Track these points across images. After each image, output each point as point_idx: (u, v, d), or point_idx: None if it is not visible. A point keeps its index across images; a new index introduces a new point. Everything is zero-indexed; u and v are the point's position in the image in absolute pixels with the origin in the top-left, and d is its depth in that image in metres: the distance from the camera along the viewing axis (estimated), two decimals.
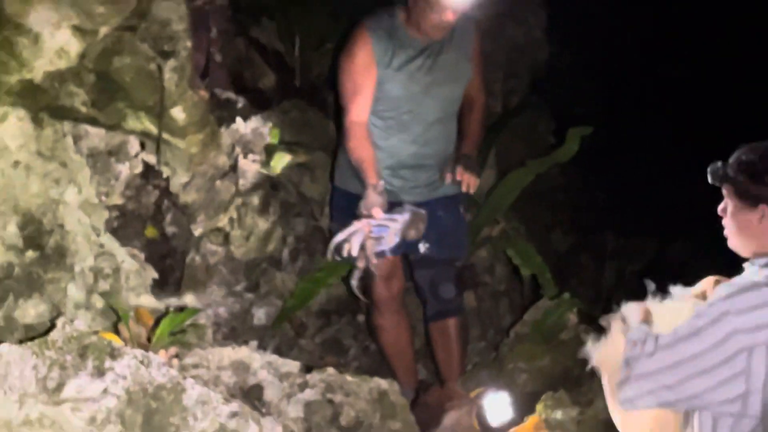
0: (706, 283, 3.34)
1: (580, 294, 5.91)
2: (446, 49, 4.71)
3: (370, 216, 4.40)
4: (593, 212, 7.37)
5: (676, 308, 3.42)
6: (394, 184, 4.79)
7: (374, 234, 4.38)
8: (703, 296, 3.33)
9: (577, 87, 7.79)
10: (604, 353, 3.46)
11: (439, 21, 4.47)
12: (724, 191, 3.05)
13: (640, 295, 3.61)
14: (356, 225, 4.38)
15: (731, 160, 3.01)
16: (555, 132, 6.58)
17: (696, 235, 6.87)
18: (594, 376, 4.84)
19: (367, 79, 4.64)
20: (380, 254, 4.45)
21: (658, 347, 2.89)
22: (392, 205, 4.51)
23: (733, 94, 8.09)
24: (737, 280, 2.91)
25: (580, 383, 5.06)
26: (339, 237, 4.38)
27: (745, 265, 3.04)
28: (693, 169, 3.17)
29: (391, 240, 4.41)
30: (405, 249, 4.79)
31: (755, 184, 2.95)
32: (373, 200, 4.46)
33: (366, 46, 4.63)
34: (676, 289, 3.43)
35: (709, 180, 3.08)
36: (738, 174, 2.98)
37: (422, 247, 4.85)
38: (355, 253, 4.31)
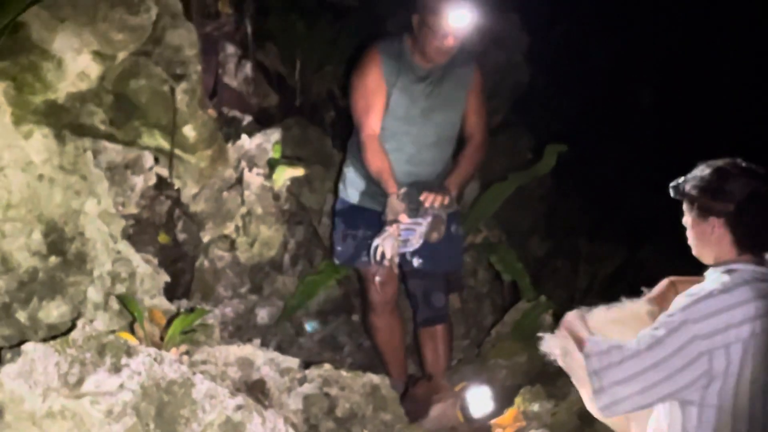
0: (663, 284, 3.39)
1: (555, 296, 5.93)
2: (446, 77, 4.72)
3: (396, 221, 4.44)
4: (568, 220, 7.37)
5: (621, 314, 3.46)
6: None
7: (402, 237, 4.42)
8: (660, 299, 3.37)
9: (555, 107, 7.81)
10: (567, 365, 3.49)
11: (440, 45, 4.50)
12: (684, 205, 3.10)
13: (610, 296, 3.64)
14: (388, 230, 4.43)
15: (689, 176, 3.05)
16: (534, 148, 6.58)
17: (663, 241, 6.89)
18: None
19: (378, 96, 4.66)
20: (412, 254, 4.58)
21: (624, 356, 2.92)
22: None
23: (700, 112, 8.11)
24: (694, 290, 2.95)
25: (556, 378, 5.06)
26: (375, 242, 4.41)
27: (707, 273, 3.08)
28: (660, 181, 3.19)
29: (416, 241, 4.45)
30: (400, 261, 4.80)
31: (706, 199, 3.00)
32: (397, 207, 4.51)
33: (376, 65, 4.65)
34: (626, 301, 3.48)
35: (671, 194, 3.12)
36: (692, 189, 3.03)
37: (415, 262, 4.85)
38: (389, 255, 4.35)
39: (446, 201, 4.58)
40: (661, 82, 8.15)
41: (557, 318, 5.35)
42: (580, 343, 3.14)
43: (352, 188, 4.97)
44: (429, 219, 4.50)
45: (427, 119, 4.75)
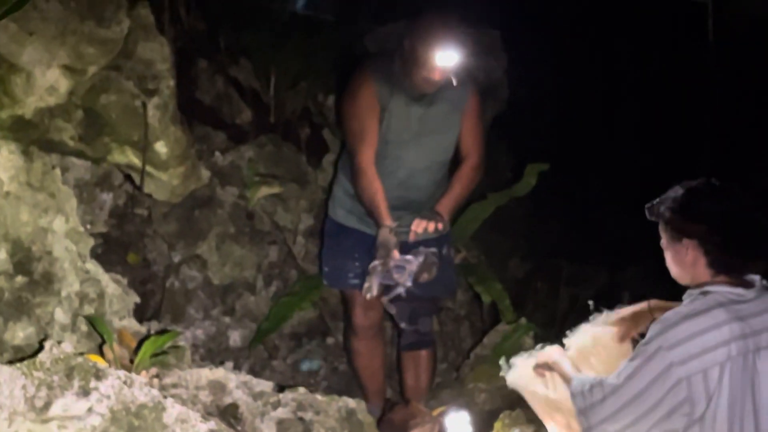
0: (639, 306, 3.43)
1: (535, 318, 5.94)
2: (439, 100, 4.64)
3: (387, 257, 4.35)
4: (549, 241, 7.40)
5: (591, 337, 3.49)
6: None
7: (393, 273, 4.37)
8: (633, 320, 3.41)
9: (536, 125, 7.85)
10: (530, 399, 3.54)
11: (427, 77, 4.44)
12: (659, 227, 3.13)
13: (591, 319, 3.67)
14: (377, 265, 4.34)
15: (663, 197, 3.08)
16: (514, 167, 6.61)
17: (645, 264, 6.92)
18: None
19: (372, 120, 4.58)
20: (396, 297, 4.42)
21: (605, 393, 2.97)
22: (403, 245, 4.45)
23: (681, 133, 8.17)
24: (668, 315, 2.98)
25: None
26: (365, 285, 4.37)
27: (684, 296, 3.11)
28: (643, 201, 3.22)
29: (404, 280, 4.38)
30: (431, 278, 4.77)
31: (679, 220, 3.03)
32: (389, 241, 4.38)
33: (369, 88, 4.56)
34: (598, 317, 3.52)
35: (647, 216, 3.15)
36: (666, 210, 3.06)
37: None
38: (375, 293, 4.28)
39: (440, 226, 4.53)
40: (644, 100, 8.20)
41: (538, 340, 5.40)
42: (566, 382, 3.20)
43: (341, 208, 4.95)
44: (421, 258, 4.45)
45: (419, 143, 4.70)
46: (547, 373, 3.43)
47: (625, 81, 8.48)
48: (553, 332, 5.87)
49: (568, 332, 3.58)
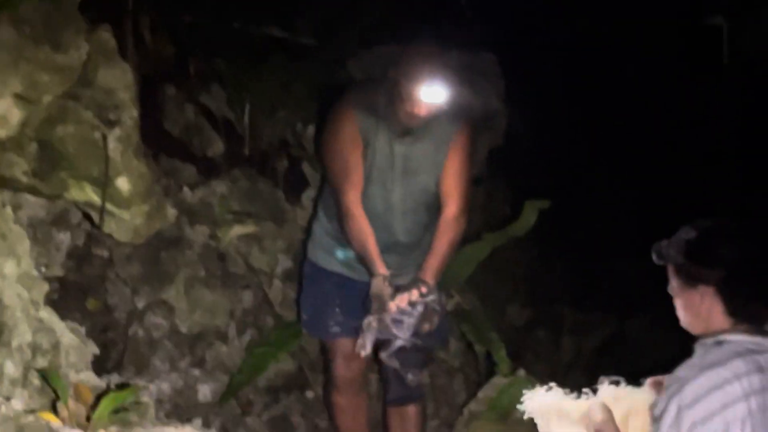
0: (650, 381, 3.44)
1: (535, 370, 5.95)
2: (427, 136, 4.63)
3: (382, 310, 4.35)
4: (550, 286, 7.42)
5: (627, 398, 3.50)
6: (362, 264, 4.79)
7: (393, 326, 4.36)
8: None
9: (536, 159, 7.87)
10: None
11: (411, 113, 4.44)
12: (669, 271, 3.12)
13: (596, 371, 3.66)
14: (371, 321, 4.35)
15: (673, 239, 3.08)
16: (512, 204, 6.63)
17: (654, 312, 6.93)
18: None
19: (356, 156, 4.57)
20: (400, 350, 4.43)
21: None
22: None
23: (694, 168, 8.21)
24: (682, 372, 2.98)
25: None
26: (359, 342, 4.37)
27: (695, 345, 3.11)
28: (651, 245, 3.22)
29: (404, 334, 4.37)
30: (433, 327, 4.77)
31: (694, 265, 3.03)
32: (384, 291, 4.39)
33: (352, 121, 4.56)
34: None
35: (654, 259, 3.15)
36: (678, 254, 3.05)
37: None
38: (368, 350, 4.31)
39: (423, 290, 4.44)
40: (654, 133, 8.24)
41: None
42: None
43: (321, 249, 4.95)
44: (421, 309, 4.43)
45: (404, 183, 4.70)
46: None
47: (634, 111, 8.51)
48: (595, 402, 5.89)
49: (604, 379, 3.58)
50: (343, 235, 4.68)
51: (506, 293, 7.13)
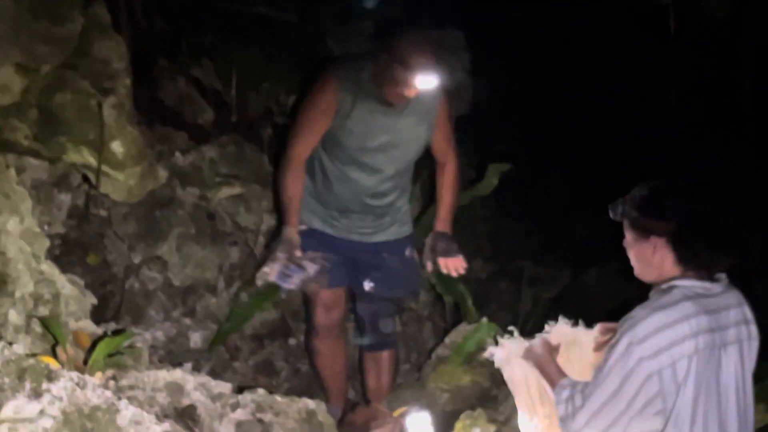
0: (599, 327, 3.45)
1: (498, 318, 5.93)
2: (409, 112, 4.57)
3: (290, 253, 4.48)
4: (511, 242, 7.41)
5: (572, 335, 3.51)
6: (341, 222, 4.77)
7: (289, 270, 4.45)
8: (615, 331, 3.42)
9: (498, 125, 7.84)
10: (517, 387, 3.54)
11: (400, 94, 4.37)
12: (624, 226, 3.13)
13: (553, 319, 3.66)
14: (280, 258, 4.47)
15: (627, 197, 3.09)
16: (477, 167, 6.60)
17: (607, 265, 6.94)
18: (509, 396, 4.88)
19: (322, 122, 4.52)
20: (373, 301, 4.70)
21: (584, 399, 2.97)
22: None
23: (643, 132, 8.20)
24: (635, 312, 2.98)
25: (497, 402, 5.07)
26: (264, 269, 4.44)
27: (651, 293, 3.11)
28: (604, 203, 3.21)
29: (294, 283, 4.46)
30: (350, 282, 4.77)
31: (646, 218, 3.05)
32: (293, 239, 4.52)
33: (331, 92, 4.47)
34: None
35: (611, 216, 3.15)
36: (632, 209, 3.08)
37: (366, 286, 4.83)
38: (271, 279, 4.44)
39: (463, 264, 4.80)
40: (606, 101, 8.24)
41: (499, 341, 5.38)
42: (550, 383, 3.25)
43: (304, 209, 4.91)
44: (317, 267, 4.52)
45: (385, 153, 4.65)
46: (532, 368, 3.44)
47: (587, 81, 8.51)
48: (516, 332, 5.88)
49: (551, 323, 3.59)
50: (277, 179, 4.72)
51: (471, 248, 7.10)
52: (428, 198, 6.15)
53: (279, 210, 4.68)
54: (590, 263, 7.22)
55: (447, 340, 5.55)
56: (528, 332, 3.75)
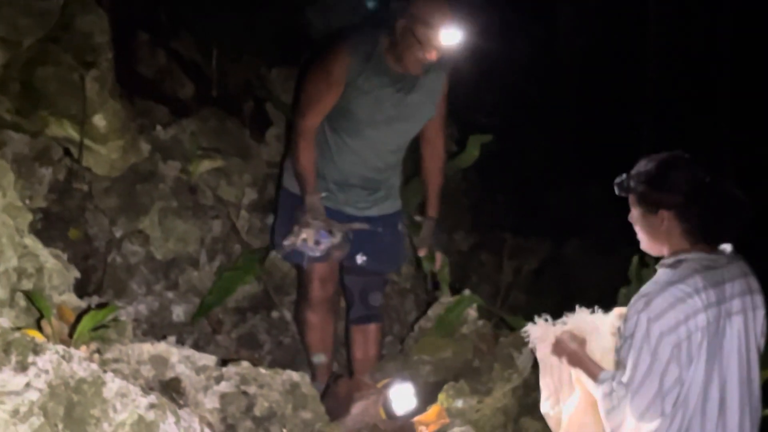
0: (617, 312, 3.49)
1: (480, 290, 5.98)
2: (417, 87, 4.61)
3: (319, 218, 4.48)
4: (493, 215, 7.43)
5: (591, 324, 3.55)
6: (339, 197, 4.77)
7: (319, 237, 4.45)
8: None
9: (480, 100, 7.85)
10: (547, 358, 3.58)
11: (422, 58, 4.39)
12: (630, 201, 3.16)
13: (534, 291, 3.69)
14: (307, 221, 4.47)
15: (633, 172, 3.12)
16: (459, 140, 6.61)
17: (586, 236, 6.98)
18: (491, 367, 4.92)
19: (331, 94, 4.53)
20: (328, 256, 4.59)
21: (624, 388, 3.01)
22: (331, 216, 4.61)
23: (621, 106, 8.23)
24: (647, 289, 3.03)
25: (480, 374, 5.11)
26: (287, 241, 4.44)
27: (657, 266, 3.15)
28: (585, 177, 3.24)
29: (320, 250, 4.45)
30: (343, 257, 4.79)
31: (654, 192, 3.08)
32: (318, 205, 4.52)
33: (342, 63, 4.49)
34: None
35: (616, 192, 3.18)
36: (638, 184, 3.11)
37: (359, 259, 4.85)
38: (311, 243, 4.46)
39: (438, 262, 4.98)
40: (585, 77, 8.25)
41: (481, 313, 5.42)
42: (592, 377, 3.25)
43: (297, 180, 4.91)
44: (342, 234, 4.53)
45: (390, 127, 4.68)
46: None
47: (567, 55, 8.52)
48: (497, 304, 5.93)
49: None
50: (292, 152, 4.68)
51: (453, 221, 7.13)
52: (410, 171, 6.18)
53: (298, 180, 4.66)
54: (570, 235, 7.25)
55: (429, 312, 5.58)
56: (509, 304, 3.79)
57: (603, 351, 3.42)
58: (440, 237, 4.95)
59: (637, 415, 2.97)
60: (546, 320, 3.58)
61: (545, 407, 3.63)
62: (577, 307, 3.58)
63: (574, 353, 3.37)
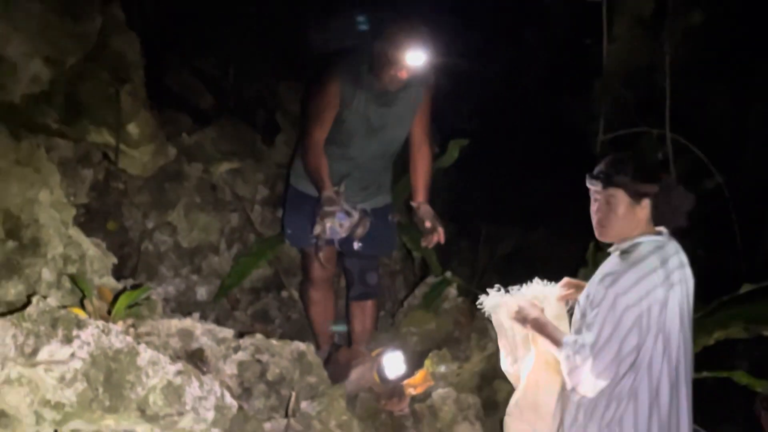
0: (564, 282, 3.49)
1: (459, 272, 5.96)
2: (398, 100, 4.61)
3: (327, 214, 4.40)
4: (470, 206, 7.41)
5: (542, 294, 3.55)
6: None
7: (339, 219, 4.40)
8: (576, 286, 3.47)
9: (459, 109, 7.84)
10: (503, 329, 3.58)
11: (394, 75, 4.40)
12: (607, 193, 3.12)
13: (507, 272, 3.69)
14: (326, 209, 4.41)
15: (614, 168, 3.09)
16: (440, 144, 6.61)
17: (550, 225, 6.98)
18: (469, 337, 4.91)
19: (330, 112, 4.55)
20: (329, 242, 4.54)
21: (586, 350, 3.00)
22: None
23: (577, 114, 8.22)
24: (615, 268, 3.03)
25: (459, 343, 5.12)
26: (315, 231, 4.43)
27: (610, 249, 3.15)
28: (547, 173, 3.23)
29: (344, 231, 4.43)
30: (342, 243, 4.78)
31: (639, 183, 3.08)
32: (332, 197, 4.46)
33: (335, 86, 4.52)
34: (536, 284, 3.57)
35: (590, 184, 3.16)
36: (623, 177, 3.10)
37: (356, 245, 4.84)
38: (329, 234, 4.37)
39: (442, 234, 4.75)
40: (547, 87, 8.23)
41: (460, 291, 5.42)
42: (554, 342, 3.22)
43: (302, 178, 4.89)
44: (356, 217, 4.52)
45: (378, 136, 4.69)
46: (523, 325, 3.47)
47: (532, 70, 8.51)
48: (474, 283, 5.92)
49: (518, 286, 3.61)
50: (303, 163, 4.69)
51: (436, 212, 7.12)
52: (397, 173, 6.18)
53: (313, 182, 4.65)
54: (537, 224, 7.25)
55: (416, 291, 5.59)
56: (484, 284, 3.78)
57: (554, 316, 3.44)
58: (428, 212, 4.93)
59: (595, 374, 2.99)
60: (498, 290, 3.59)
61: (505, 365, 3.64)
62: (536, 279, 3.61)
63: (536, 319, 3.37)
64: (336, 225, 4.41)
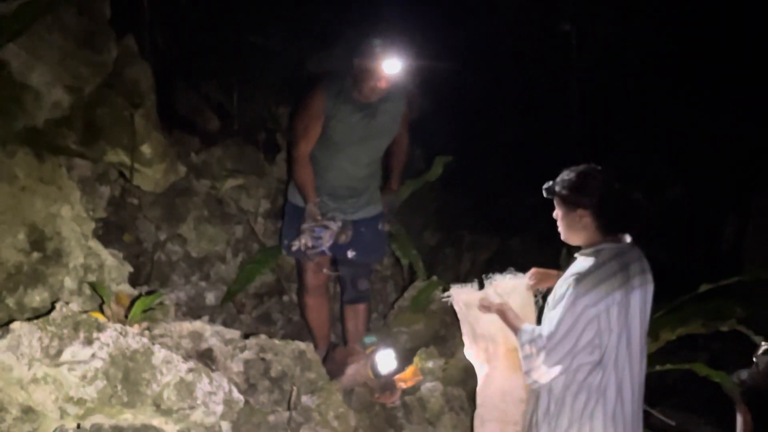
0: (548, 270, 3.52)
1: (444, 276, 5.97)
2: (380, 110, 4.60)
3: (314, 221, 4.49)
4: (454, 217, 7.42)
5: (511, 285, 3.57)
6: (331, 204, 4.74)
7: (315, 234, 4.44)
8: (543, 276, 3.49)
9: (442, 126, 7.85)
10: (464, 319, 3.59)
11: (374, 86, 4.41)
12: (555, 202, 3.18)
13: (487, 275, 3.70)
14: (305, 225, 4.49)
15: (557, 179, 3.15)
16: (426, 160, 6.62)
17: (527, 234, 7.00)
18: (455, 335, 4.91)
19: (315, 126, 4.54)
20: (320, 253, 4.57)
21: (543, 340, 3.03)
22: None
23: (552, 131, 8.24)
24: (578, 270, 3.05)
25: (445, 341, 5.13)
26: (294, 247, 4.50)
27: (577, 254, 3.18)
28: (525, 186, 3.25)
29: (326, 241, 4.45)
30: (336, 252, 4.77)
31: (573, 195, 3.10)
32: (315, 210, 4.52)
33: (319, 100, 4.52)
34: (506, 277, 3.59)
35: (544, 195, 3.21)
36: (562, 189, 3.13)
37: (349, 253, 4.83)
38: (310, 245, 4.48)
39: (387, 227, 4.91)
40: (524, 108, 8.25)
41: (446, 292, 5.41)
42: (513, 329, 3.27)
43: (297, 193, 4.91)
44: (339, 224, 4.53)
45: (363, 145, 4.67)
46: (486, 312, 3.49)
47: (511, 92, 8.52)
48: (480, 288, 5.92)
49: (491, 275, 3.64)
50: (291, 174, 4.73)
51: (422, 222, 7.14)
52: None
53: (300, 193, 4.70)
54: (514, 232, 7.27)
55: (406, 294, 5.59)
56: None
57: (521, 304, 3.47)
58: (394, 201, 5.02)
59: (549, 364, 3.01)
60: (461, 286, 3.63)
61: (468, 354, 3.70)
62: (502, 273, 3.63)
63: (499, 307, 3.40)
64: (314, 238, 4.44)
